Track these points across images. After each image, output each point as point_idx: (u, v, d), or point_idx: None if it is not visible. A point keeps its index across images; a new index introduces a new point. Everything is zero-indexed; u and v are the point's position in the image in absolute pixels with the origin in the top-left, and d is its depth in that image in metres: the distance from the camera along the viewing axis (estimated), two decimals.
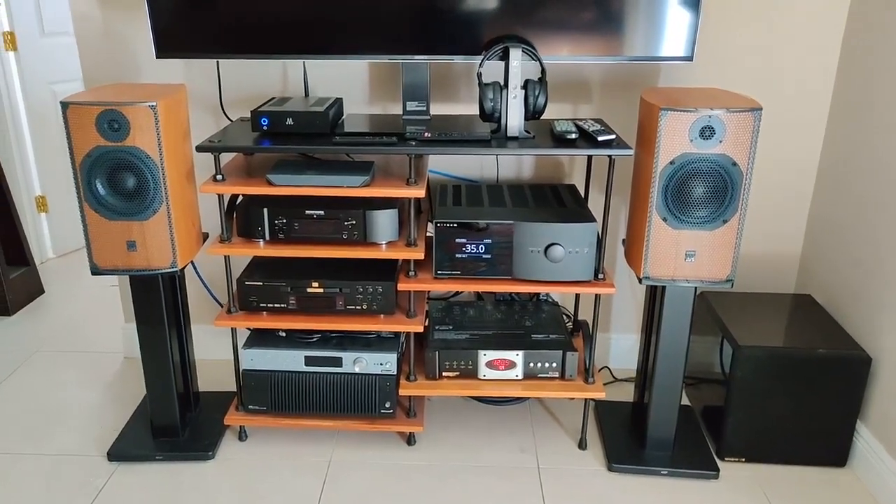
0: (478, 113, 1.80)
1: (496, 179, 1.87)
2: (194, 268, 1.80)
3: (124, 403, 1.88)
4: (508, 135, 1.51)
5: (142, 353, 1.63)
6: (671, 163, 1.37)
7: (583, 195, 1.74)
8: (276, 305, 1.60)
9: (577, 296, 1.87)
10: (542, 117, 1.52)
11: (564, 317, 1.80)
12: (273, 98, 1.69)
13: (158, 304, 1.59)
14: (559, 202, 1.64)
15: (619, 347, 2.04)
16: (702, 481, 1.60)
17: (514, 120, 1.49)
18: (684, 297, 1.51)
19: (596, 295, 1.57)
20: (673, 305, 1.52)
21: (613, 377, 2.00)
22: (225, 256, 1.58)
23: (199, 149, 1.47)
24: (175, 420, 1.68)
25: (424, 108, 1.66)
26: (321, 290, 1.59)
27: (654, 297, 1.59)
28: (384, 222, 1.53)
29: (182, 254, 1.52)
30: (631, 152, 1.43)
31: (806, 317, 1.71)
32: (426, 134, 1.49)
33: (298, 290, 1.59)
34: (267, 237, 1.55)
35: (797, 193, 1.88)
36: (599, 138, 1.46)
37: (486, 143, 1.48)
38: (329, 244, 1.55)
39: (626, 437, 1.70)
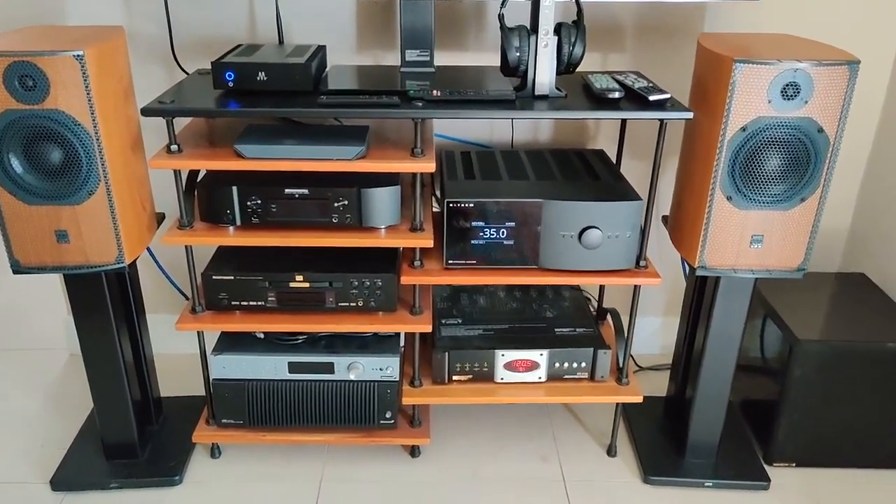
0: (488, 63, 1.51)
1: (510, 144, 1.58)
2: (151, 254, 1.50)
3: (71, 413, 1.59)
4: (537, 93, 1.22)
5: (84, 358, 1.33)
6: (743, 129, 1.11)
7: (613, 162, 1.47)
8: (251, 303, 1.32)
9: None
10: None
11: (587, 301, 1.56)
12: (240, 45, 1.36)
13: (103, 303, 1.29)
14: (591, 173, 1.37)
15: (642, 331, 1.82)
16: (750, 492, 1.40)
17: (545, 74, 1.21)
18: (742, 287, 1.28)
19: (635, 285, 1.33)
20: (728, 296, 1.29)
21: (637, 365, 1.78)
22: (186, 246, 1.27)
23: (146, 112, 1.15)
24: (131, 437, 1.40)
25: (428, 58, 1.35)
26: (307, 285, 1.30)
27: (704, 283, 1.35)
28: (384, 202, 1.24)
29: (130, 245, 1.21)
30: (691, 115, 1.17)
31: (863, 300, 1.50)
32: (435, 92, 1.20)
33: (279, 284, 1.30)
34: (237, 222, 1.25)
35: (849, 159, 1.64)
36: (650, 98, 1.19)
37: (509, 103, 1.19)
38: (315, 229, 1.26)
39: (661, 439, 1.49)
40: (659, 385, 1.70)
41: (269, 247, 1.32)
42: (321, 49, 1.33)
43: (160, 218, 1.40)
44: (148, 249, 1.56)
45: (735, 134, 1.11)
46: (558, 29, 1.19)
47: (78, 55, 1.07)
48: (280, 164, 1.18)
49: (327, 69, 1.39)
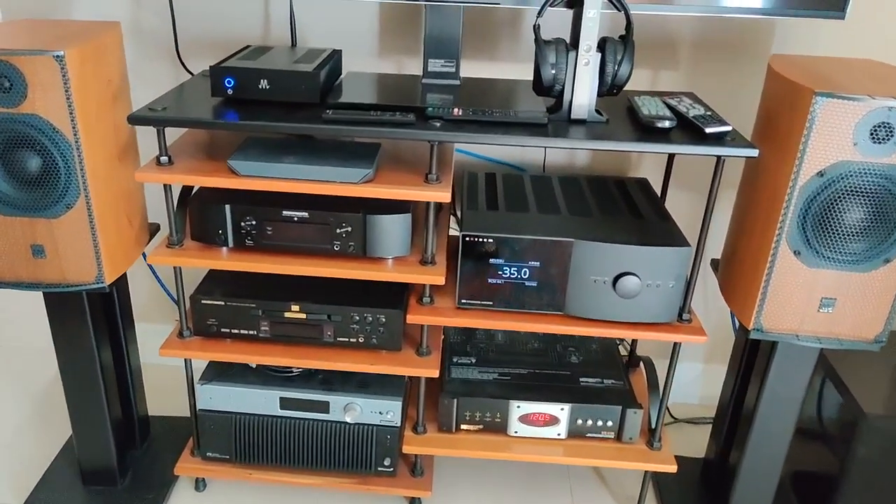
0: (521, 76, 1.35)
1: (542, 167, 1.42)
2: (145, 258, 1.39)
3: (57, 426, 1.51)
4: (573, 116, 1.06)
5: (62, 376, 1.23)
6: (819, 174, 0.93)
7: (658, 194, 1.29)
8: (242, 332, 1.19)
9: None
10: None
11: (617, 344, 1.40)
12: (248, 47, 1.23)
13: (82, 323, 1.18)
14: (632, 209, 1.20)
15: (680, 378, 1.64)
16: None
17: (583, 96, 1.04)
18: (805, 356, 1.10)
19: (675, 343, 1.15)
20: (787, 364, 1.11)
21: (672, 416, 1.60)
22: (175, 267, 1.16)
23: (133, 120, 1.03)
24: (110, 462, 1.30)
25: (453, 70, 1.20)
26: (303, 316, 1.17)
27: (757, 342, 1.17)
28: (392, 231, 1.10)
29: (111, 264, 1.10)
30: (756, 153, 0.99)
31: None
32: (456, 111, 1.05)
33: (273, 313, 1.18)
34: (230, 243, 1.13)
35: None
36: (707, 130, 1.01)
37: (541, 127, 1.03)
38: (314, 256, 1.13)
39: None
40: (697, 442, 1.52)
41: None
42: (335, 54, 1.19)
43: (154, 229, 1.29)
44: (144, 256, 1.45)
45: (810, 179, 0.93)
46: (602, 44, 1.03)
47: (58, 55, 0.96)
48: (277, 185, 1.05)
49: (342, 76, 1.25)
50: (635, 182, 1.33)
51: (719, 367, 1.62)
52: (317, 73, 1.07)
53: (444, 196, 1.04)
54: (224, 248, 1.14)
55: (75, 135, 1.00)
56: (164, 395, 1.58)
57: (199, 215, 1.12)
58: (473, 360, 1.33)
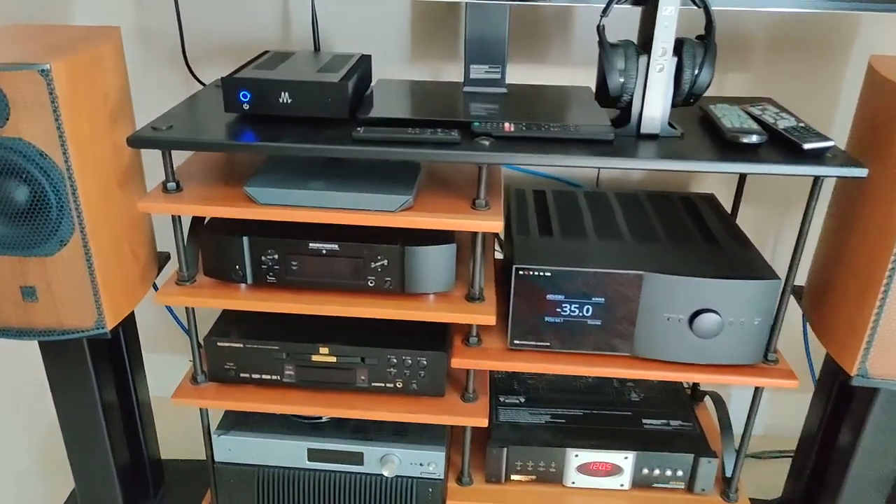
0: (572, 81, 1.21)
1: (596, 181, 1.27)
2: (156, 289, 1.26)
3: (62, 474, 1.38)
4: (643, 131, 0.91)
5: (61, 425, 1.11)
6: None
7: (726, 210, 1.14)
8: (264, 377, 1.06)
9: None
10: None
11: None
12: (266, 53, 1.09)
13: (84, 371, 1.05)
14: (704, 232, 1.05)
15: (741, 404, 1.49)
16: None
17: (656, 107, 0.89)
18: None
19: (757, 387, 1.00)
20: (889, 412, 0.96)
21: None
22: (187, 308, 1.02)
23: (132, 142, 0.89)
24: None
25: (499, 76, 1.05)
26: (333, 359, 1.04)
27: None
28: (434, 264, 0.96)
29: (113, 306, 0.97)
30: (865, 173, 0.84)
31: None
32: (507, 126, 0.90)
33: (298, 356, 1.04)
34: (249, 280, 0.99)
35: None
36: (805, 146, 0.86)
37: (607, 144, 0.89)
38: (346, 293, 0.99)
39: None
40: (765, 479, 1.37)
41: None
42: (363, 60, 1.05)
43: (164, 258, 1.16)
44: (155, 287, 1.32)
45: None
46: (679, 47, 0.88)
47: (43, 69, 0.82)
48: (301, 214, 0.91)
49: (372, 86, 1.11)
50: (702, 198, 1.18)
51: (788, 395, 1.48)
52: (344, 85, 0.93)
53: (496, 225, 0.90)
54: (242, 285, 1.00)
55: (66, 161, 0.87)
56: (180, 434, 1.44)
57: (212, 249, 0.98)
58: (522, 400, 1.19)
